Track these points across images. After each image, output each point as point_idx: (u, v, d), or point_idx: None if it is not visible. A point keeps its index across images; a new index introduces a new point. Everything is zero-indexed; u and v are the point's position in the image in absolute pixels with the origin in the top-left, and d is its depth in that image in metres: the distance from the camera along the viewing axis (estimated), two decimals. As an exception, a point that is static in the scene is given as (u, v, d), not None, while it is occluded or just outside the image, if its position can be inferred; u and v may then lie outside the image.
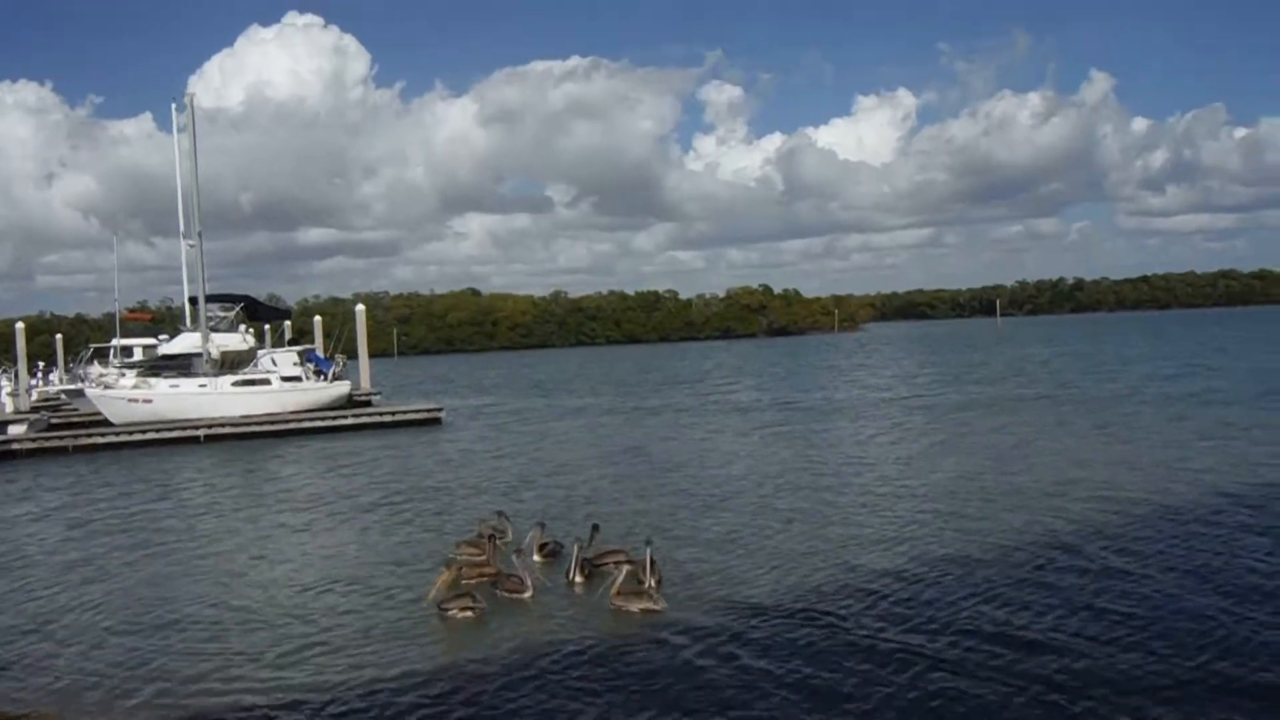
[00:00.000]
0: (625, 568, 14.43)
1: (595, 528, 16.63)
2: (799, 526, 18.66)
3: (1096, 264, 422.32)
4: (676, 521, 19.58)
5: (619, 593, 13.85)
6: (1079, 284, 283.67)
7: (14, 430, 40.76)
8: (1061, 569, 14.77)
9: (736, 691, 10.63)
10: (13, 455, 36.77)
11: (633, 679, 11.12)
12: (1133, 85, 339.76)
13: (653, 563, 14.49)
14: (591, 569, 15.12)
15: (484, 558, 15.77)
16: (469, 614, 13.60)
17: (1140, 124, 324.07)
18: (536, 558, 16.22)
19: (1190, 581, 13.88)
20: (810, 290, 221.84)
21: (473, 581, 14.79)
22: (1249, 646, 11.24)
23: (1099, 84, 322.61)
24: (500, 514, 18.50)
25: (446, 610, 13.69)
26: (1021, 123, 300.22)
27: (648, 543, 14.81)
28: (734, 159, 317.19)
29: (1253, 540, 16.05)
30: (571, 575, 15.04)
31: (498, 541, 16.71)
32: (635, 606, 13.62)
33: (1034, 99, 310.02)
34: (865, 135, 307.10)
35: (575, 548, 15.49)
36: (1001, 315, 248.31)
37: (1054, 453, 26.45)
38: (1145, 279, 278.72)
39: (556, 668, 11.56)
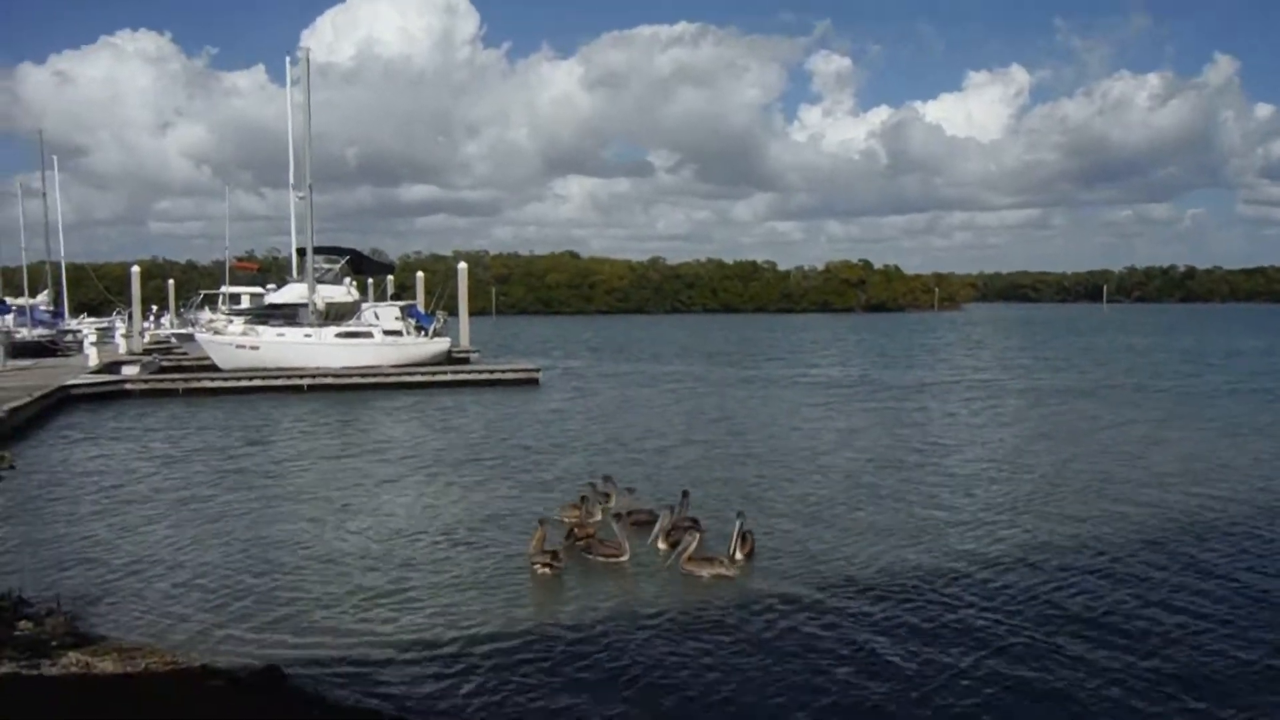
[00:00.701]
0: (698, 534, 14.38)
1: (685, 494, 16.61)
2: (883, 503, 18.50)
3: (1209, 253, 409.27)
4: (762, 491, 19.60)
5: (690, 558, 13.89)
6: (1190, 272, 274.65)
7: (127, 371, 42.06)
8: (1145, 563, 14.34)
9: (799, 663, 10.61)
10: (125, 395, 37.90)
11: (698, 645, 11.14)
12: (1257, 69, 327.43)
13: (743, 535, 14.43)
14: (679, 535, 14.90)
15: (585, 520, 15.82)
16: (546, 571, 13.76)
17: (1264, 110, 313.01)
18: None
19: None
20: (910, 267, 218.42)
21: (579, 542, 14.84)
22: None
23: (1222, 67, 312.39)
24: (607, 478, 18.26)
25: (534, 566, 13.88)
26: (1138, 104, 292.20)
27: (739, 514, 14.71)
28: (839, 131, 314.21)
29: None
30: (655, 541, 14.93)
31: (601, 505, 16.69)
32: (706, 572, 13.68)
33: (1153, 80, 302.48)
34: (974, 111, 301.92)
35: (664, 515, 15.38)
36: (1108, 301, 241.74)
37: (1147, 443, 25.68)
38: (1261, 270, 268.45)
39: (628, 629, 11.64)
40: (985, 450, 24.98)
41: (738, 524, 14.47)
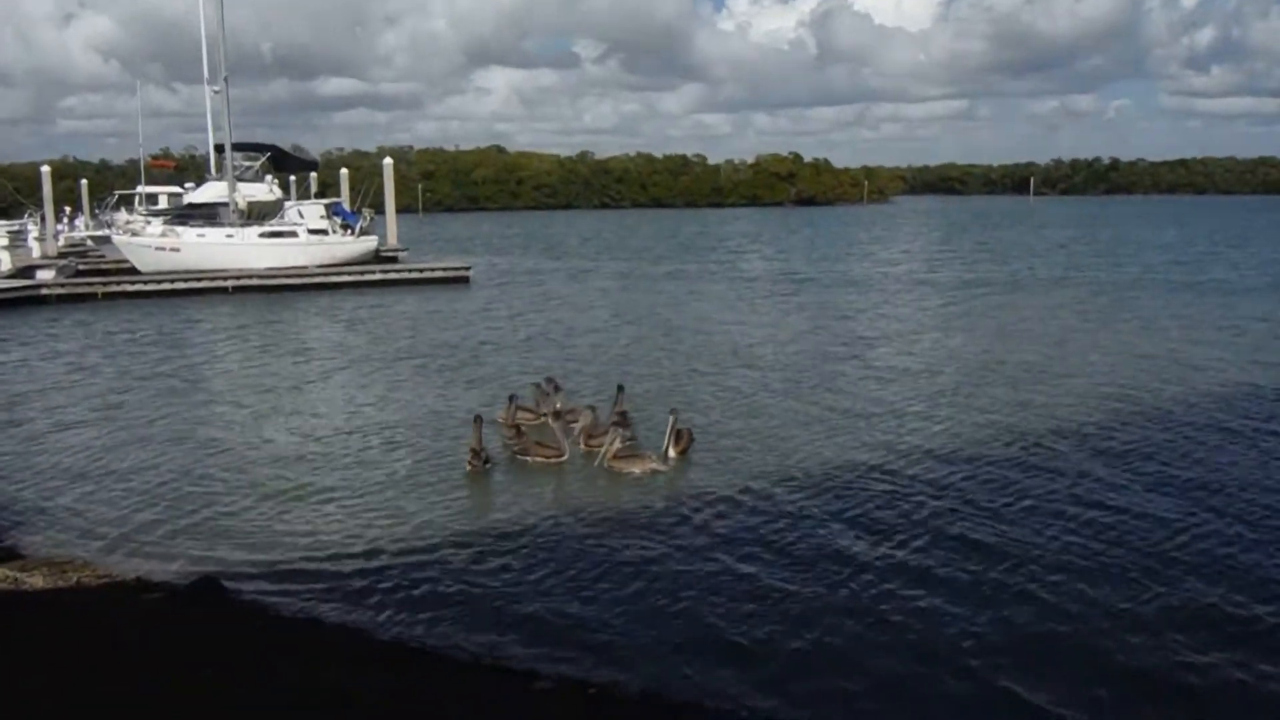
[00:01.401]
0: (620, 432, 14.40)
1: (620, 389, 16.64)
2: (808, 395, 18.90)
3: (1134, 145, 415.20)
4: (692, 385, 19.94)
5: (617, 456, 13.93)
6: (1114, 164, 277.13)
7: (42, 275, 40.72)
8: (1054, 450, 14.69)
9: (716, 557, 10.77)
10: (42, 300, 36.79)
11: (617, 542, 11.23)
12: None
13: (678, 432, 14.47)
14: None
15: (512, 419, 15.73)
16: (467, 468, 13.86)
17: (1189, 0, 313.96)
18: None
19: (1166, 489, 13.20)
20: (839, 160, 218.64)
21: (514, 445, 14.77)
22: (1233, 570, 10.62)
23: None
24: (550, 380, 17.86)
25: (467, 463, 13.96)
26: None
27: (672, 411, 14.71)
28: (767, 20, 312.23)
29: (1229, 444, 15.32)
30: (577, 441, 14.78)
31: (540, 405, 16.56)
32: (636, 468, 13.77)
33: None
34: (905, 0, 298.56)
35: (585, 414, 15.15)
36: (1034, 194, 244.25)
37: (1053, 339, 26.05)
38: (1183, 162, 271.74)
39: (551, 528, 11.76)
40: (908, 343, 25.41)
41: (670, 420, 14.49)
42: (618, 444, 14.10)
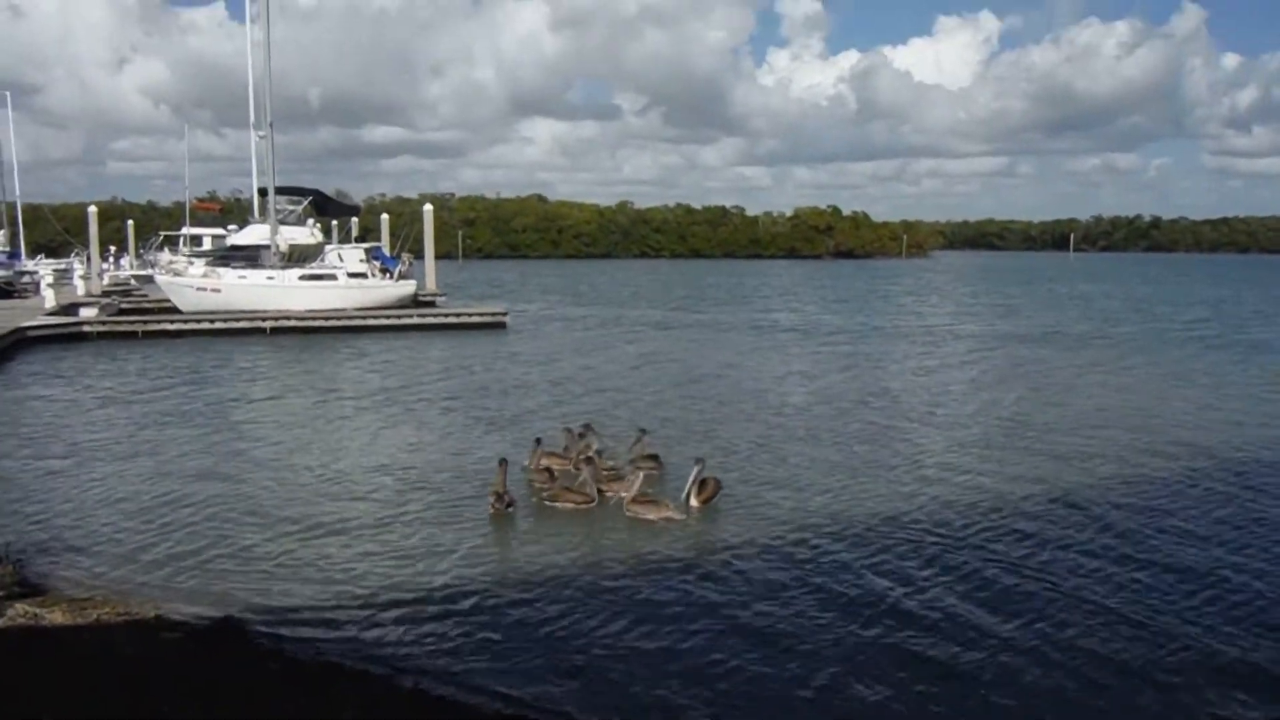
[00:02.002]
0: (642, 474, 14.32)
1: (642, 432, 16.68)
2: (838, 447, 18.51)
3: (1174, 203, 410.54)
4: (721, 433, 19.74)
5: (636, 500, 13.79)
6: (1156, 222, 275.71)
7: (85, 313, 41.11)
8: (1070, 522, 13.92)
9: (736, 610, 10.46)
10: (83, 337, 37.15)
11: (639, 592, 10.97)
12: (1225, 19, 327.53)
13: (703, 481, 14.29)
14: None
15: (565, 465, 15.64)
16: (489, 510, 13.77)
17: (1230, 59, 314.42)
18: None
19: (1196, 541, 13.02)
20: (878, 214, 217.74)
21: (545, 493, 14.55)
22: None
23: (1190, 16, 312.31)
24: (588, 426, 17.42)
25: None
26: (1106, 52, 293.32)
27: (698, 460, 14.57)
28: (807, 75, 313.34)
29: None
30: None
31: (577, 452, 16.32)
32: (653, 515, 13.54)
33: (1121, 28, 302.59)
34: (944, 57, 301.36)
35: (695, 468, 14.62)
36: (1074, 251, 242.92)
37: (1097, 393, 25.61)
38: (1225, 221, 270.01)
39: (570, 574, 11.55)
40: (938, 396, 25.11)
41: (695, 469, 14.35)
42: (635, 489, 13.94)
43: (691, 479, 14.25)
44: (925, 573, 11.56)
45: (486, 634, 9.84)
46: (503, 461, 14.46)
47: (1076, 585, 11.19)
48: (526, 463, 15.87)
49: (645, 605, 10.56)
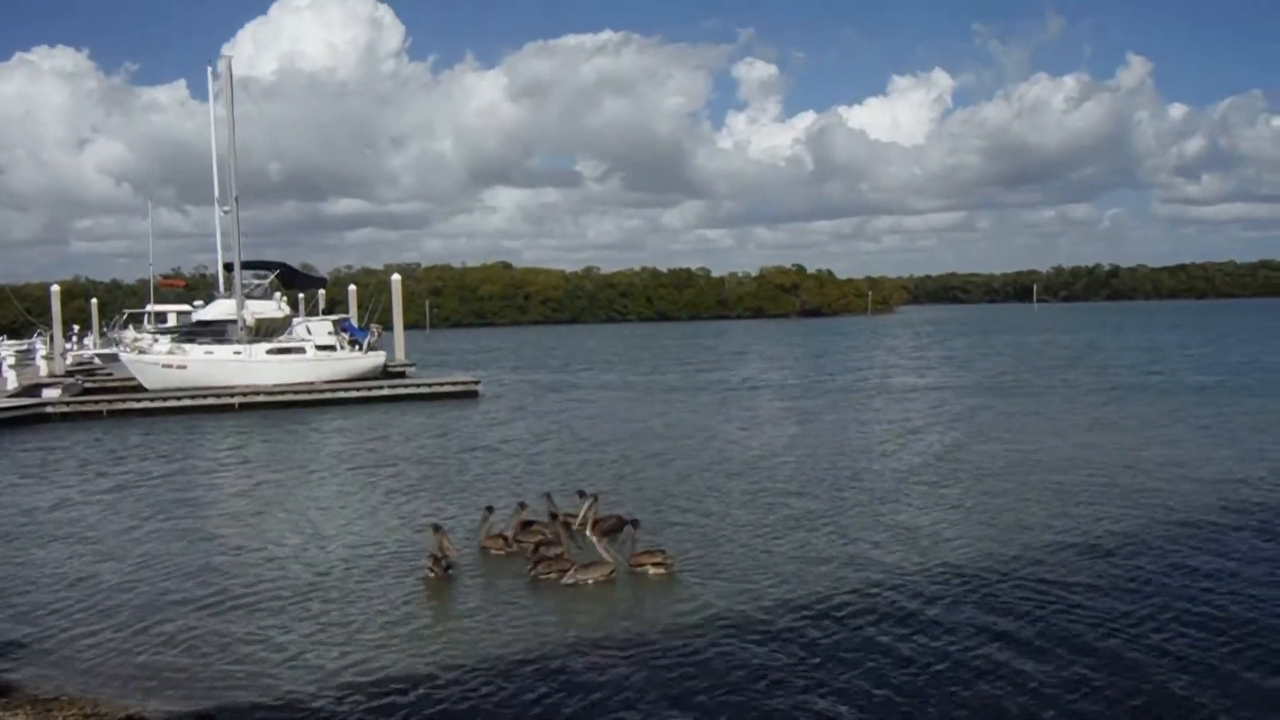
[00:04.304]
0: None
1: (595, 497, 16.54)
2: (806, 520, 17.77)
3: (1131, 251, 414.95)
4: (691, 495, 19.80)
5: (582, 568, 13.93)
6: (1115, 271, 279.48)
7: (48, 394, 40.35)
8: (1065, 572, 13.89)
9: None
10: (46, 419, 36.38)
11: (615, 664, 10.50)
12: (1170, 70, 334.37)
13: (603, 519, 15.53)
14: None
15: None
16: (429, 574, 13.95)
17: (1177, 110, 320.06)
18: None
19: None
20: (841, 271, 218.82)
21: (536, 567, 14.14)
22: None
23: (1136, 68, 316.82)
24: (581, 493, 17.38)
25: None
26: (1055, 107, 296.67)
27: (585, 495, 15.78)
28: (765, 137, 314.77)
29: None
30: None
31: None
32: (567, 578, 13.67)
33: (1069, 83, 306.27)
34: (900, 116, 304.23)
35: (586, 503, 15.79)
36: (1037, 301, 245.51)
37: (1084, 447, 25.50)
38: (1183, 267, 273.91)
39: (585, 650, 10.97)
40: (902, 449, 25.21)
41: (587, 504, 15.76)
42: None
43: (583, 511, 15.48)
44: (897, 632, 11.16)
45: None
46: (436, 528, 14.78)
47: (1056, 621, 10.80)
48: (510, 531, 15.63)
49: (613, 680, 10.11)
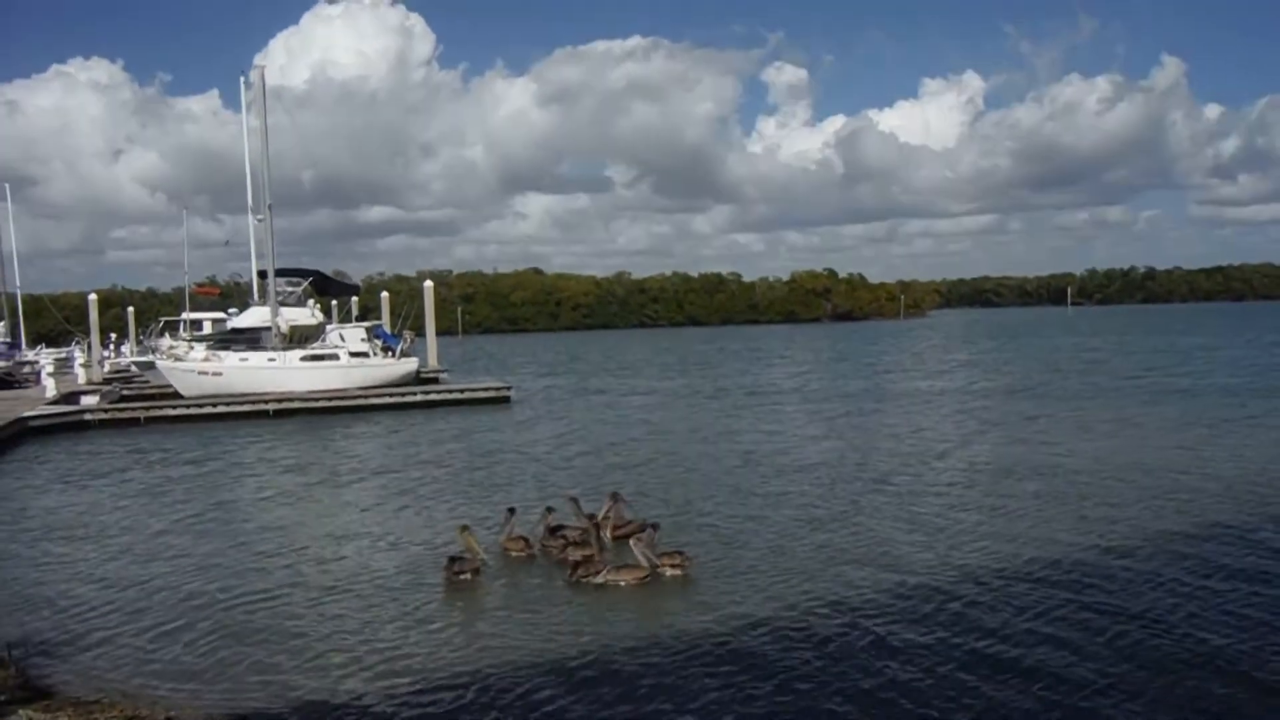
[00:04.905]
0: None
1: (616, 495, 16.85)
2: (840, 520, 17.81)
3: (1166, 253, 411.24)
4: (717, 501, 19.67)
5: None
6: (1150, 273, 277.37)
7: (87, 401, 40.92)
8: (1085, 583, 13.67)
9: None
10: (85, 426, 36.84)
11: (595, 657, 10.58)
12: (1204, 71, 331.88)
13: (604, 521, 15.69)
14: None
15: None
16: (464, 577, 14.08)
17: (1212, 110, 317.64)
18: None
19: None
20: (873, 276, 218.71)
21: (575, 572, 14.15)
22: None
23: (1170, 69, 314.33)
24: (614, 494, 17.31)
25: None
26: (1088, 108, 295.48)
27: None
28: (795, 141, 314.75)
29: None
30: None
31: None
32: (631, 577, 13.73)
33: (1101, 83, 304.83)
34: (930, 119, 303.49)
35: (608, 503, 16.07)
36: (1071, 304, 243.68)
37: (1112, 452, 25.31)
38: (1220, 269, 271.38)
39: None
40: (934, 456, 24.88)
41: (607, 504, 16.23)
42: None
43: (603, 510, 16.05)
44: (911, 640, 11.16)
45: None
46: (464, 528, 14.95)
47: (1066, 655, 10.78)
48: (528, 533, 15.82)
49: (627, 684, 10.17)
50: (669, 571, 13.87)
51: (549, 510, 16.26)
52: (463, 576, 14.07)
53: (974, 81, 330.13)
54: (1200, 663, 10.40)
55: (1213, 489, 19.40)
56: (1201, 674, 10.11)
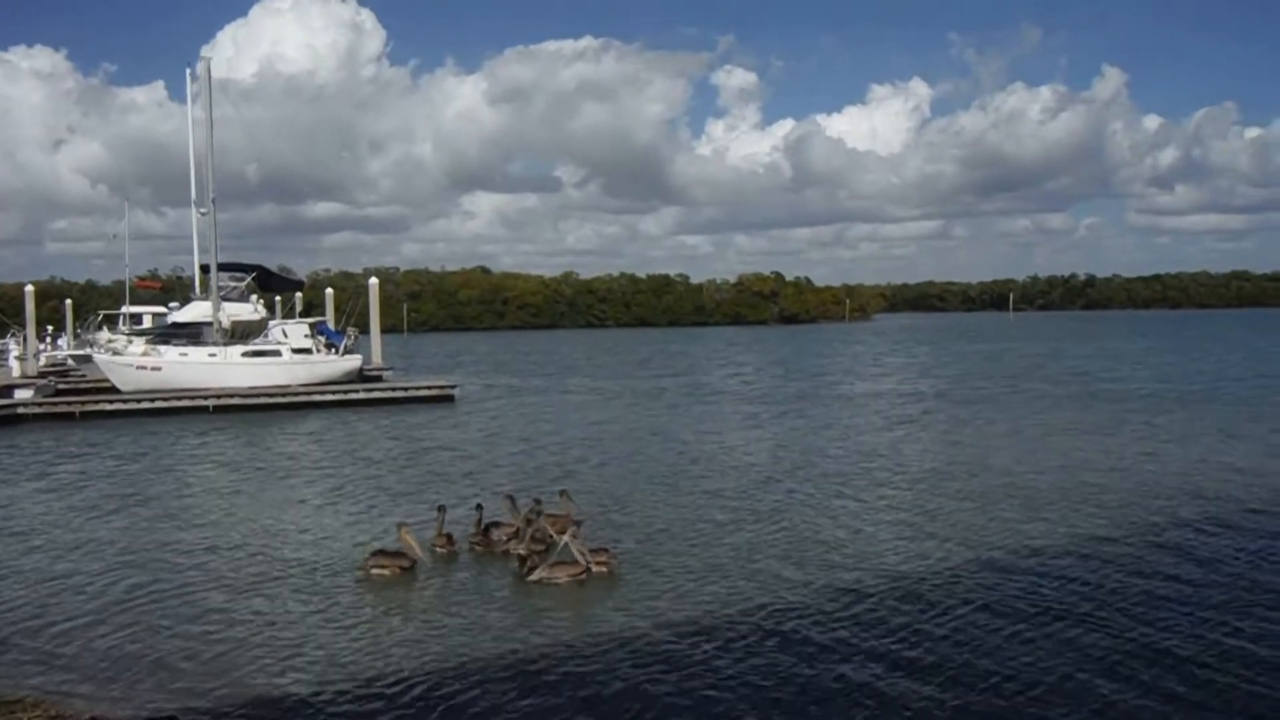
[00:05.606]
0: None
1: (539, 501, 16.42)
2: (773, 518, 18.06)
3: (1106, 261, 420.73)
4: (647, 499, 19.92)
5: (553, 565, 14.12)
6: (1091, 280, 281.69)
7: (20, 395, 40.16)
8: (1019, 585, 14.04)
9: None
10: (18, 420, 36.25)
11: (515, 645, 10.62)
12: (1145, 82, 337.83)
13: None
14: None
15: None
16: (382, 572, 14.26)
17: (1151, 121, 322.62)
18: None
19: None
20: (819, 279, 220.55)
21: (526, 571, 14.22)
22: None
23: (1111, 80, 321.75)
24: (564, 495, 17.42)
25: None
26: (1031, 117, 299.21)
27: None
28: (744, 144, 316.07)
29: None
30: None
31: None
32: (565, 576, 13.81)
33: (1045, 93, 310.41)
34: (877, 124, 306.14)
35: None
36: (1013, 310, 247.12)
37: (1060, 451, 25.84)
38: (1158, 278, 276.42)
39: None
40: (869, 458, 25.12)
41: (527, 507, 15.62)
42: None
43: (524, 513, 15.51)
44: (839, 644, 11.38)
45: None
46: (401, 525, 15.14)
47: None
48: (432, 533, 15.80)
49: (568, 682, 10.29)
50: (594, 568, 13.99)
51: (479, 508, 16.31)
52: (378, 571, 14.21)
53: (921, 88, 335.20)
54: (1113, 658, 10.65)
55: (1129, 489, 20.12)
56: (1113, 669, 10.35)
